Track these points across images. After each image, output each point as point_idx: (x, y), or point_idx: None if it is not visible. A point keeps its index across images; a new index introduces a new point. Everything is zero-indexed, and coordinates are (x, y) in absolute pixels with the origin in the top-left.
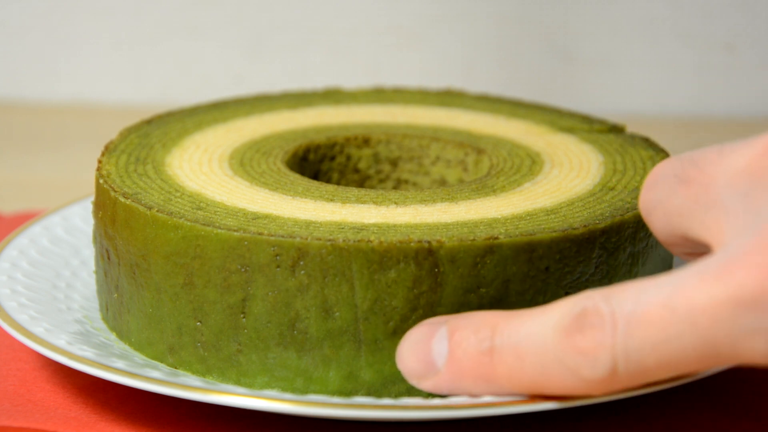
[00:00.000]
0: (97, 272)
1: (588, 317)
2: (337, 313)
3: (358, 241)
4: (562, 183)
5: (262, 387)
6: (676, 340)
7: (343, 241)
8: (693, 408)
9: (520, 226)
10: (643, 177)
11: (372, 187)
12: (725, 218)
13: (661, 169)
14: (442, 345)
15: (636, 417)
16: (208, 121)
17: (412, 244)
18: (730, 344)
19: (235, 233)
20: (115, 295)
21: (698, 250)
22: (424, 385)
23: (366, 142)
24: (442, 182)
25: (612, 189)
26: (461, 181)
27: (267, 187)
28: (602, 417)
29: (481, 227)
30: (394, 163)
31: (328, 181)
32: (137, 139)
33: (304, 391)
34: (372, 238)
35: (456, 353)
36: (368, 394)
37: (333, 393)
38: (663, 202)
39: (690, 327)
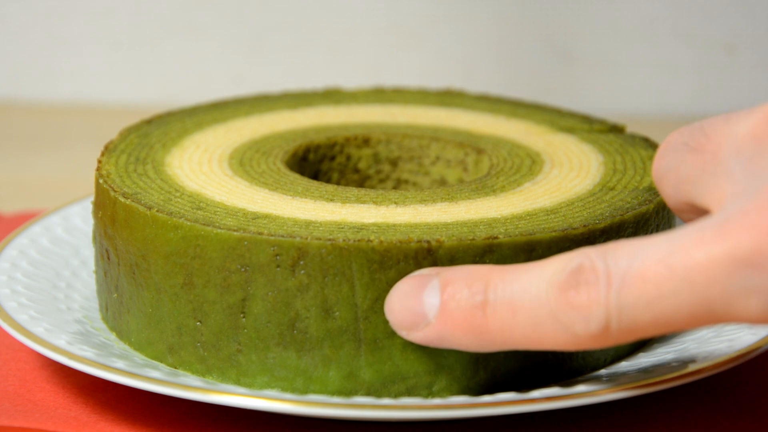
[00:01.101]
0: (96, 272)
1: (583, 273)
2: (337, 313)
3: (358, 240)
4: (562, 183)
5: (262, 387)
6: (671, 297)
7: (343, 240)
8: (693, 408)
9: (519, 226)
10: (643, 177)
11: (372, 187)
12: (728, 184)
13: (673, 137)
14: (433, 297)
15: (636, 417)
16: (208, 121)
17: (411, 244)
18: (725, 303)
19: (235, 233)
20: (115, 295)
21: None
22: (413, 337)
23: (366, 142)
24: (442, 182)
25: (612, 189)
26: (461, 181)
27: (267, 187)
28: (602, 417)
29: (480, 227)
30: (394, 163)
31: (328, 181)
32: (137, 139)
33: (304, 391)
34: (372, 237)
35: (448, 306)
36: (368, 394)
37: (333, 393)
38: (673, 170)
39: (686, 284)
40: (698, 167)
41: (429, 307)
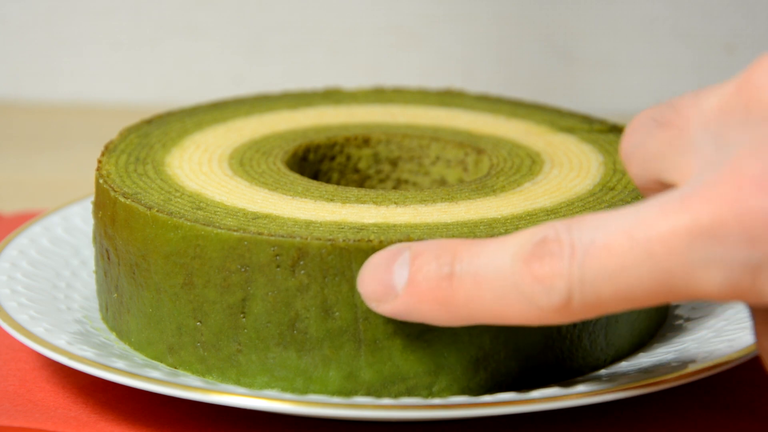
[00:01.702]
0: (97, 272)
1: (548, 245)
2: (337, 313)
3: (358, 240)
4: (562, 183)
5: (262, 387)
6: (633, 269)
7: (343, 240)
8: (693, 408)
9: (519, 226)
10: None
11: (372, 187)
12: (695, 159)
13: (642, 114)
14: (403, 269)
15: (636, 417)
16: (208, 121)
17: None
18: (686, 276)
19: (235, 233)
20: (115, 295)
21: None
22: (382, 309)
23: (366, 142)
24: (442, 182)
25: (612, 189)
26: (461, 181)
27: (267, 187)
28: (601, 417)
29: (480, 227)
30: (394, 163)
31: (328, 181)
32: (137, 139)
33: (304, 391)
34: (372, 237)
35: (416, 277)
36: (368, 394)
37: (333, 393)
38: (641, 147)
39: (647, 256)
40: (666, 143)
41: (398, 279)
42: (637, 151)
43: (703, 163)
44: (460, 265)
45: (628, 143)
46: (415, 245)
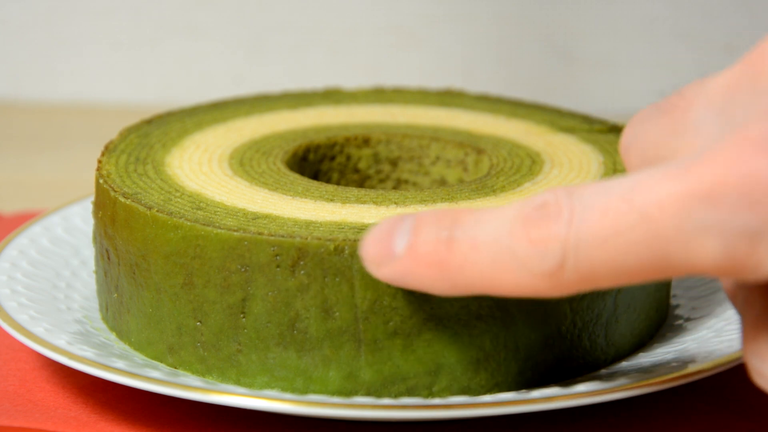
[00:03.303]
0: (97, 272)
1: (547, 208)
2: (337, 313)
3: (358, 240)
4: (562, 183)
5: (262, 387)
6: (628, 233)
7: (343, 240)
8: (693, 408)
9: None
10: None
11: (372, 187)
12: (697, 138)
13: (647, 107)
14: (405, 233)
15: (636, 417)
16: (208, 121)
17: None
18: (681, 242)
19: (235, 233)
20: (115, 295)
21: None
22: (381, 273)
23: (366, 142)
24: (442, 182)
25: None
26: (461, 181)
27: (267, 187)
28: (601, 417)
29: None
30: (394, 163)
31: (328, 181)
32: (137, 139)
33: (304, 391)
34: None
35: (416, 241)
36: (368, 394)
37: (333, 393)
38: (640, 137)
39: (643, 219)
40: (666, 128)
41: (399, 243)
42: (636, 143)
43: (705, 139)
44: (460, 229)
45: (627, 135)
46: (419, 213)
